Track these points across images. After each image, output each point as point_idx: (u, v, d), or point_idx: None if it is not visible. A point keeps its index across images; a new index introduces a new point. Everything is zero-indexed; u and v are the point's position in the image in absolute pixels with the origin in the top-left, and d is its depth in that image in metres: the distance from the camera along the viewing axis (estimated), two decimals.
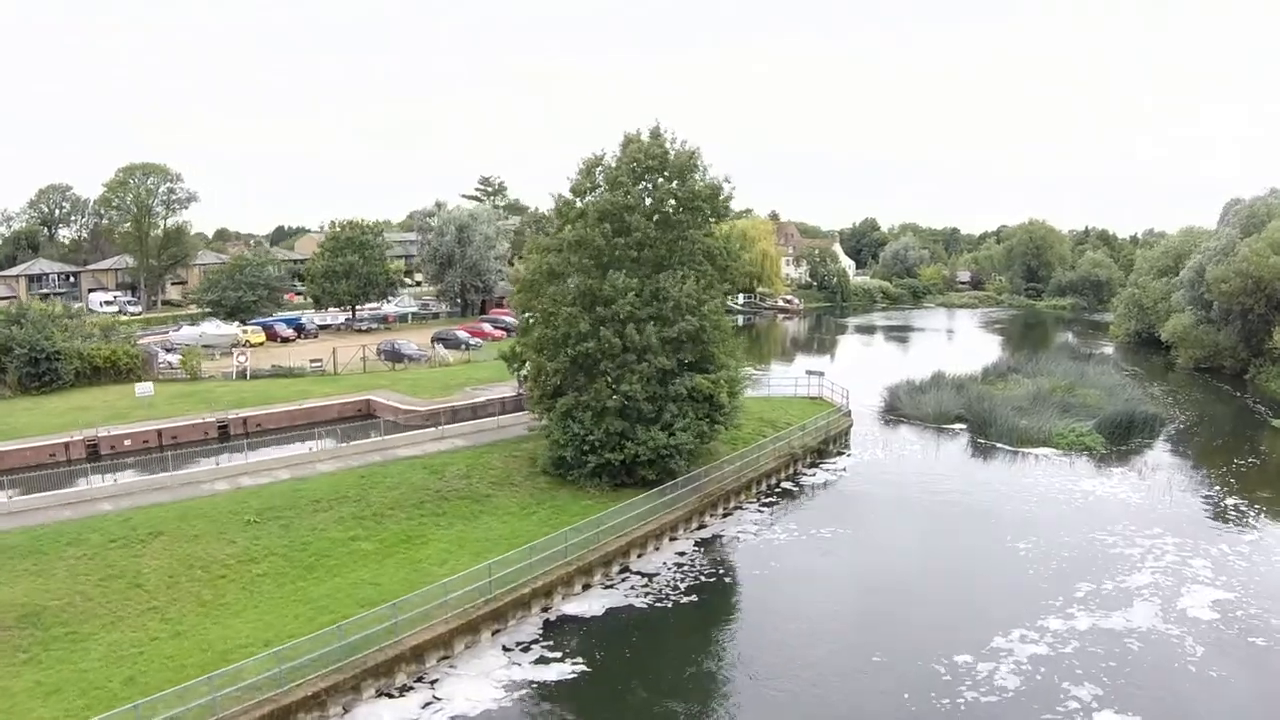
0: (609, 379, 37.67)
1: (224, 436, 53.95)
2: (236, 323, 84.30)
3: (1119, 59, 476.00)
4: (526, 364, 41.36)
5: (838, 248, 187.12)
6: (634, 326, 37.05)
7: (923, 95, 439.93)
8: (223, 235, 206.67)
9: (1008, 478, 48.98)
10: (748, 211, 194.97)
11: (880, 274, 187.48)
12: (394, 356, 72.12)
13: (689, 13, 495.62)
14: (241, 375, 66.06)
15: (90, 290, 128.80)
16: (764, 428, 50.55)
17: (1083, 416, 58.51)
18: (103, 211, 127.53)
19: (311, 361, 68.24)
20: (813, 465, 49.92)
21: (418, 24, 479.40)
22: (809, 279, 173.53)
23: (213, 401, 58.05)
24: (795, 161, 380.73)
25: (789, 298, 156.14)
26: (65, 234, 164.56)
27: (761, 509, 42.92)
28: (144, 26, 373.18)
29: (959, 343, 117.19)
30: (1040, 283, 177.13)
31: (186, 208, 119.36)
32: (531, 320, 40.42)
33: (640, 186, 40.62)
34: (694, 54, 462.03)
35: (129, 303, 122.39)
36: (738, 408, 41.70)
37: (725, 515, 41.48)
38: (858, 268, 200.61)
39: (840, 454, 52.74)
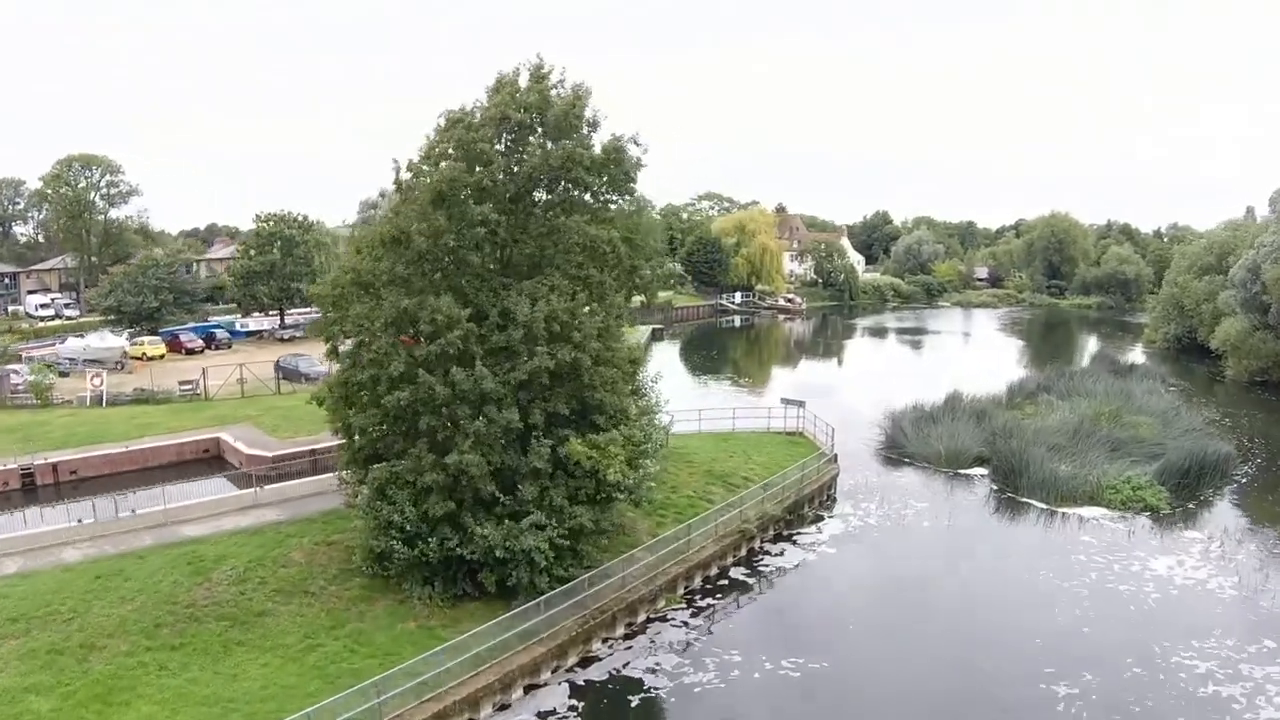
0: (437, 440, 24.83)
1: (29, 488, 42.09)
2: (126, 333, 72.18)
3: (1119, 59, 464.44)
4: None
5: (845, 242, 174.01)
6: (463, 370, 24.05)
7: (923, 95, 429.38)
8: (212, 230, 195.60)
9: (1044, 558, 35.37)
10: (754, 203, 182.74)
11: (892, 270, 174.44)
12: (291, 375, 59.84)
13: (689, 13, 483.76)
14: (97, 401, 54.10)
15: (30, 292, 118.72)
16: (712, 485, 37.34)
17: (1138, 457, 45.56)
18: (54, 208, 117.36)
19: (182, 384, 55.91)
20: (779, 538, 36.44)
21: (418, 24, 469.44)
22: (814, 276, 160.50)
23: (36, 439, 46.14)
24: (796, 161, 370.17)
25: (790, 296, 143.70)
26: (22, 231, 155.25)
27: (693, 619, 29.29)
28: (144, 26, 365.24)
29: (978, 349, 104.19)
30: (1063, 280, 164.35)
31: (127, 201, 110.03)
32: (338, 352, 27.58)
33: (516, 153, 28.04)
34: (694, 54, 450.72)
35: (65, 305, 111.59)
36: (649, 477, 27.82)
37: (631, 634, 27.84)
38: (869, 263, 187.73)
39: (821, 517, 39.43)
